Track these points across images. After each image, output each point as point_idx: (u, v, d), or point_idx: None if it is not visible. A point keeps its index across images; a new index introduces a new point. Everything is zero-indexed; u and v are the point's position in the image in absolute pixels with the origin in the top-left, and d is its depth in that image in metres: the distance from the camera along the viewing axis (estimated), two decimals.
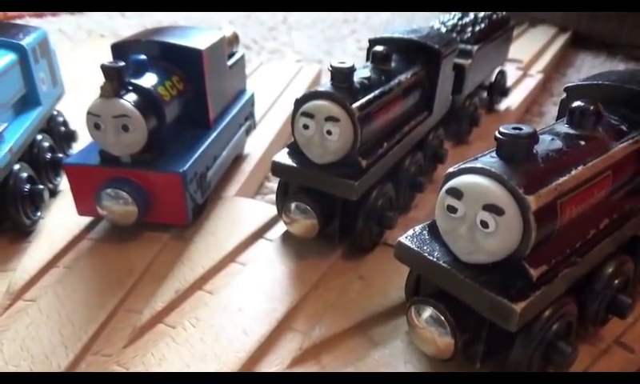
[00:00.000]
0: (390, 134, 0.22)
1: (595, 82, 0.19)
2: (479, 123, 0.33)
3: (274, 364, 0.18)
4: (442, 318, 0.14)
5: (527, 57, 0.52)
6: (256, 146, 0.32)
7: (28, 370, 0.17)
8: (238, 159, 0.30)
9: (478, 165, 0.14)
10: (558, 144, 0.15)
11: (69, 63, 0.41)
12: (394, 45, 0.25)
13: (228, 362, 0.17)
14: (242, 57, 0.30)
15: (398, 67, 0.24)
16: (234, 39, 0.30)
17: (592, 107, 0.16)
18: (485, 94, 0.38)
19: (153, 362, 0.18)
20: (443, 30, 0.32)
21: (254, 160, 0.30)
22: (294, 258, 0.22)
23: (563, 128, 0.16)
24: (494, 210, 0.13)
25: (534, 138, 0.14)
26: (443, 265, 0.15)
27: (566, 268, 0.14)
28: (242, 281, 0.21)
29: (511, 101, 0.41)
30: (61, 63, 0.30)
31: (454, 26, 0.32)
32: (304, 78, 0.45)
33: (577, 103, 0.16)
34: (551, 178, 0.14)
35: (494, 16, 0.35)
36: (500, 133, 0.14)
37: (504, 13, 0.37)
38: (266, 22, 0.75)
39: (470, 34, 0.31)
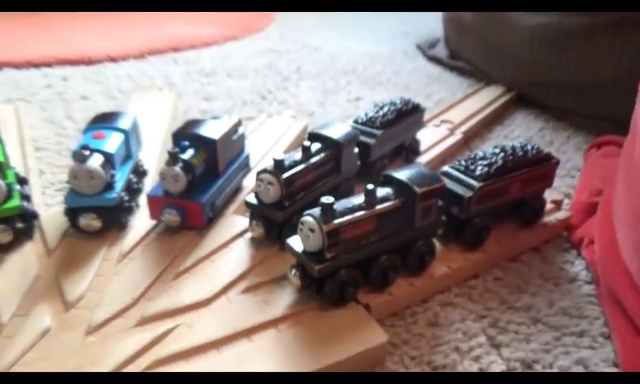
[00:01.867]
0: (307, 188, 0.44)
1: None
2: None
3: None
4: (297, 274, 0.36)
5: (459, 118, 0.72)
6: (250, 182, 0.54)
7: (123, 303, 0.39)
8: (238, 190, 0.52)
9: (314, 210, 0.36)
10: (349, 204, 0.36)
11: (138, 112, 0.64)
12: (319, 137, 0.47)
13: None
14: (243, 134, 0.52)
15: (318, 150, 0.46)
16: (239, 123, 0.52)
17: (371, 189, 0.37)
18: (403, 153, 0.59)
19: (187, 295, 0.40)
20: (364, 119, 0.53)
21: (246, 191, 0.52)
22: (255, 249, 0.44)
23: (359, 198, 0.37)
24: (311, 230, 0.35)
25: (332, 204, 0.35)
26: (300, 253, 0.36)
27: (345, 254, 0.36)
28: (225, 255, 0.43)
29: (426, 157, 0.62)
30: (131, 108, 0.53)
31: (371, 117, 0.53)
32: (292, 133, 0.67)
33: (370, 186, 0.37)
34: (340, 216, 0.35)
35: (403, 107, 0.56)
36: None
37: (413, 104, 0.57)
38: (283, 72, 0.98)
39: (378, 123, 0.53)
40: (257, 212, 0.43)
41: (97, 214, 0.43)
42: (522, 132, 0.73)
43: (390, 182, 0.39)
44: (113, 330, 0.35)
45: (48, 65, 0.96)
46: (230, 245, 0.44)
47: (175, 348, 0.34)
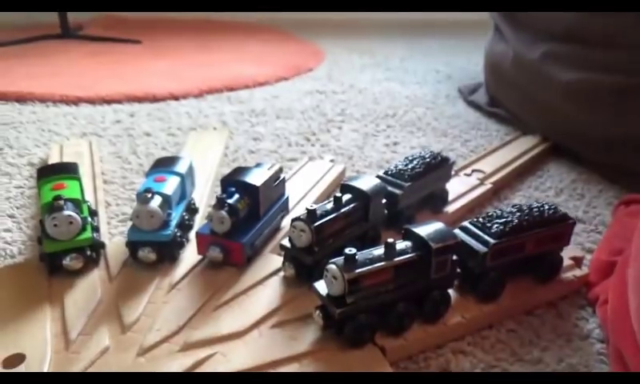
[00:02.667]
0: (336, 234, 0.49)
1: None
2: (413, 221, 0.57)
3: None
4: (320, 314, 0.41)
5: (491, 168, 0.75)
6: (288, 223, 0.59)
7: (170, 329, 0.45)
8: (276, 231, 0.58)
9: (338, 259, 0.40)
10: (369, 254, 0.41)
11: (193, 150, 0.71)
12: (350, 189, 0.52)
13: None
14: (283, 179, 0.58)
15: (348, 201, 0.51)
16: (280, 170, 0.58)
17: (390, 243, 0.41)
18: (431, 203, 0.62)
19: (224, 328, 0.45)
20: (393, 170, 0.58)
21: (284, 231, 0.58)
22: (286, 288, 0.49)
23: (379, 250, 0.42)
24: (334, 277, 0.39)
25: (355, 255, 0.40)
26: (324, 296, 0.41)
27: (364, 300, 0.40)
28: (260, 291, 0.48)
29: (454, 206, 0.65)
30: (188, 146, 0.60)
31: (400, 169, 0.58)
32: (330, 176, 0.72)
33: (390, 240, 0.42)
34: (361, 266, 0.40)
35: (432, 161, 0.60)
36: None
37: (442, 157, 0.61)
38: (327, 114, 1.04)
39: (406, 176, 0.57)
40: (289, 254, 0.48)
41: (153, 248, 0.50)
42: (554, 183, 0.75)
43: (410, 236, 0.44)
44: (160, 353, 0.41)
45: (118, 101, 1.07)
46: (265, 282, 0.50)
47: (211, 372, 0.39)
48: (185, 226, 0.55)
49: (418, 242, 0.43)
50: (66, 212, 0.47)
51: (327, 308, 0.41)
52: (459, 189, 0.68)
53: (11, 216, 0.64)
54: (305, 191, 0.67)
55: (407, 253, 0.42)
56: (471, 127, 0.99)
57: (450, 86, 1.28)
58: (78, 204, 0.49)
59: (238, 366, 0.39)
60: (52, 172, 0.53)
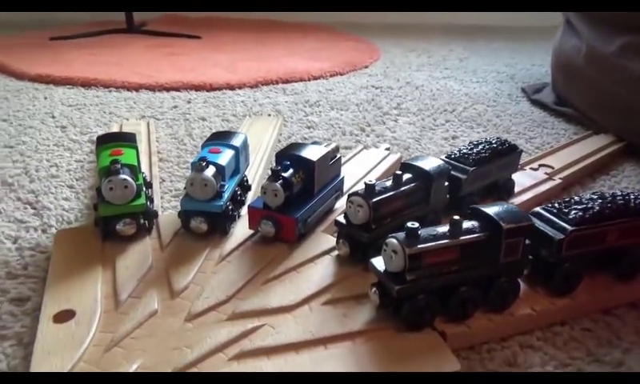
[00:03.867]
0: (394, 214, 0.46)
1: None
2: None
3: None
4: (377, 292, 0.38)
5: (560, 164, 0.70)
6: (341, 205, 0.57)
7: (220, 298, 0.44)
8: (329, 212, 0.56)
9: (399, 233, 0.37)
10: (433, 231, 0.38)
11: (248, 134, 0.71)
12: (411, 168, 0.49)
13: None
14: (339, 158, 0.56)
15: (408, 180, 0.48)
16: (337, 149, 0.56)
17: (456, 220, 0.38)
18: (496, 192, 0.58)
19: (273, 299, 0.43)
20: (457, 155, 0.54)
21: (337, 213, 0.56)
22: (339, 267, 0.46)
23: (444, 228, 0.39)
24: (395, 252, 0.37)
25: (417, 229, 0.37)
26: (382, 273, 0.38)
27: (425, 279, 0.37)
28: (311, 269, 0.46)
29: (520, 199, 0.60)
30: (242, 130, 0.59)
31: (464, 153, 0.54)
32: (386, 164, 0.69)
33: (456, 217, 0.38)
34: (420, 243, 0.37)
35: (499, 147, 0.56)
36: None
37: (509, 144, 0.57)
38: (383, 107, 1.01)
39: (471, 160, 0.53)
40: (344, 232, 0.46)
41: (205, 219, 0.49)
42: (630, 184, 0.69)
43: (477, 215, 0.40)
44: (208, 320, 0.40)
45: (176, 89, 1.08)
46: (317, 260, 0.48)
47: (260, 344, 0.37)
48: (237, 200, 0.54)
49: (487, 221, 0.39)
50: (122, 176, 0.47)
51: (385, 285, 0.38)
52: (525, 181, 0.63)
53: (70, 186, 0.65)
54: (359, 177, 0.65)
55: (475, 232, 0.39)
56: (536, 125, 0.93)
57: (512, 85, 1.23)
58: (134, 170, 0.49)
59: (287, 339, 0.37)
60: (111, 139, 0.53)
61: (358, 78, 1.24)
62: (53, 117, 0.91)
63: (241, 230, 0.52)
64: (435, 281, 0.38)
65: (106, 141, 0.53)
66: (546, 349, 0.39)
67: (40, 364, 0.34)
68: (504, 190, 0.58)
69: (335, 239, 0.48)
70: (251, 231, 0.51)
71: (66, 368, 0.34)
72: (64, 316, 0.39)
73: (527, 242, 0.40)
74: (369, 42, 1.66)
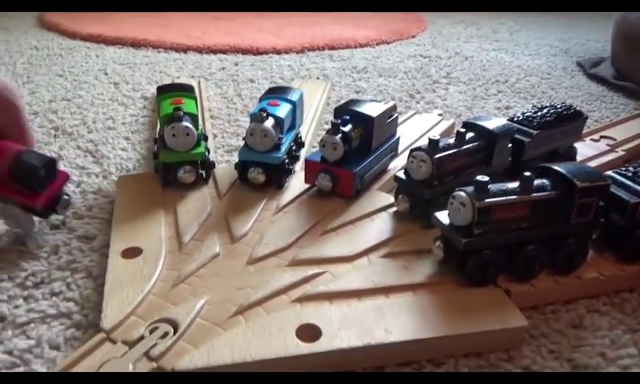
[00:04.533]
0: (456, 172, 0.45)
1: None
2: None
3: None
4: (441, 246, 0.38)
5: (623, 136, 0.67)
6: (394, 166, 0.56)
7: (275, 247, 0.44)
8: (383, 171, 0.55)
9: (468, 188, 0.37)
10: (503, 186, 0.37)
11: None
12: (474, 127, 0.47)
13: None
14: (396, 117, 0.55)
15: (471, 138, 0.46)
16: (394, 108, 0.55)
17: (527, 176, 0.37)
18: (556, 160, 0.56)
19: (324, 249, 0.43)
20: (520, 117, 0.53)
21: (392, 173, 0.55)
22: (397, 223, 0.46)
23: (514, 184, 0.37)
24: (463, 204, 0.36)
25: (487, 183, 0.36)
26: (447, 226, 0.38)
27: (493, 234, 0.36)
28: (369, 223, 0.46)
29: None
30: None
31: (528, 116, 0.53)
32: (439, 129, 0.68)
33: (527, 173, 0.37)
34: (490, 197, 0.36)
35: (564, 112, 0.54)
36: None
37: (575, 110, 0.55)
38: (432, 76, 0.99)
39: (535, 123, 0.51)
40: (405, 188, 0.45)
41: (262, 170, 0.49)
42: None
43: (548, 173, 0.39)
44: (268, 265, 0.40)
45: (223, 52, 1.09)
46: (374, 216, 0.47)
47: (322, 289, 0.37)
48: (292, 155, 0.54)
49: (560, 179, 0.38)
50: (185, 123, 0.48)
51: (450, 239, 0.38)
52: (586, 152, 0.61)
53: (126, 138, 0.66)
54: (413, 140, 0.64)
55: (546, 189, 0.37)
56: (594, 99, 0.89)
57: (566, 59, 1.18)
58: (194, 119, 0.50)
59: (349, 286, 0.37)
60: (171, 89, 0.54)
61: (405, 47, 1.22)
62: (105, 74, 0.92)
63: (296, 183, 0.52)
64: (503, 237, 0.37)
65: (167, 90, 0.53)
66: (613, 314, 0.38)
67: (112, 293, 0.35)
68: (566, 158, 0.56)
69: (393, 196, 0.48)
70: (306, 186, 0.51)
71: (136, 300, 0.35)
72: (132, 253, 0.40)
73: (601, 203, 0.38)
74: (414, 12, 1.62)
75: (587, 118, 0.57)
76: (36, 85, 0.85)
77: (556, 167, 0.38)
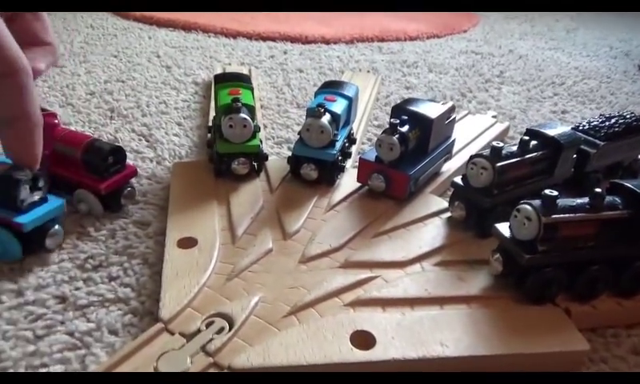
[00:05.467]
0: (517, 181, 0.44)
1: None
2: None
3: None
4: (500, 259, 0.36)
5: None
6: (447, 168, 0.55)
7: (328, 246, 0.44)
8: (436, 174, 0.54)
9: (534, 201, 0.35)
10: (572, 202, 0.35)
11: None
12: (537, 135, 0.46)
13: None
14: (454, 118, 0.54)
15: (535, 147, 0.45)
16: (453, 109, 0.53)
17: (598, 192, 0.35)
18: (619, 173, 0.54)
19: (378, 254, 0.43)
20: (586, 126, 0.50)
21: (445, 176, 0.54)
22: (450, 230, 0.45)
23: (582, 200, 0.36)
24: (528, 219, 0.35)
25: (556, 198, 0.35)
26: (508, 239, 0.37)
27: (557, 252, 0.35)
28: (421, 228, 0.45)
29: None
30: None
31: (594, 125, 0.50)
32: (493, 132, 0.66)
33: (598, 189, 0.36)
34: (557, 213, 0.34)
35: (634, 123, 0.51)
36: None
37: None
38: (485, 74, 0.96)
39: (602, 133, 0.49)
40: (462, 194, 0.44)
41: (316, 166, 0.49)
42: None
43: (618, 190, 0.37)
44: (321, 265, 0.40)
45: (272, 39, 1.09)
46: (426, 221, 0.46)
47: (375, 294, 0.37)
48: (344, 152, 0.54)
49: (632, 198, 0.36)
50: (242, 115, 0.48)
51: (510, 252, 0.36)
52: None
53: (179, 124, 0.67)
54: (465, 143, 0.62)
55: (617, 208, 0.36)
56: None
57: (627, 62, 1.12)
58: (252, 111, 0.50)
59: (402, 294, 0.37)
60: (229, 79, 0.54)
61: (456, 42, 1.19)
62: (158, 56, 0.94)
63: (347, 181, 0.51)
64: (568, 255, 0.35)
65: (225, 80, 0.54)
66: None
67: (170, 283, 0.36)
68: (629, 172, 0.54)
69: (448, 201, 0.46)
70: (357, 184, 0.51)
71: (193, 291, 0.35)
72: (187, 243, 0.41)
73: None
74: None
75: None
76: (92, 65, 0.87)
77: (628, 184, 0.36)
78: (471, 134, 0.64)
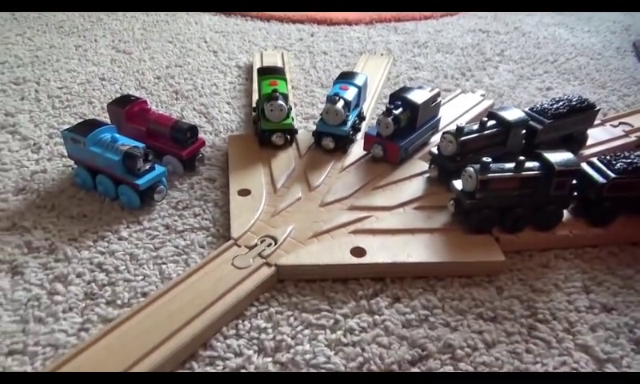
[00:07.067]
0: (476, 151, 0.61)
1: None
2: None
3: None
4: (454, 204, 0.54)
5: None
6: (434, 140, 0.72)
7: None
8: (425, 144, 0.71)
9: (475, 165, 0.53)
10: (502, 166, 0.52)
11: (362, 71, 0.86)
12: (495, 116, 0.62)
13: None
14: (439, 102, 0.70)
15: (491, 125, 0.62)
16: (438, 95, 0.70)
17: (521, 159, 0.52)
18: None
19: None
20: (538, 108, 0.66)
21: (431, 146, 0.71)
22: (428, 185, 0.63)
23: (511, 164, 0.53)
24: (470, 176, 0.52)
25: (489, 163, 0.52)
26: (459, 191, 0.54)
27: (490, 199, 0.52)
28: (407, 184, 0.63)
29: (591, 151, 0.71)
30: (358, 67, 0.75)
31: (545, 107, 0.66)
32: (479, 108, 0.82)
33: (521, 157, 0.52)
34: (492, 173, 0.52)
35: (577, 104, 0.67)
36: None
37: (588, 103, 0.68)
38: (486, 53, 1.10)
39: (549, 114, 0.65)
40: (436, 160, 0.62)
41: (333, 139, 0.67)
42: None
43: (539, 158, 0.54)
44: (334, 208, 0.59)
45: (301, 22, 1.25)
46: (412, 179, 0.64)
47: (369, 226, 0.55)
48: (355, 128, 0.72)
49: (545, 163, 0.53)
50: (279, 101, 0.66)
51: (460, 200, 0.54)
52: (601, 136, 0.73)
53: (228, 103, 0.86)
54: (454, 117, 0.79)
55: (533, 170, 0.53)
56: (634, 83, 0.98)
57: (624, 38, 1.23)
58: (286, 97, 0.68)
59: (387, 226, 0.55)
60: (268, 72, 0.72)
61: (467, 20, 1.32)
62: (205, 42, 1.12)
63: (356, 149, 0.70)
64: (497, 201, 0.53)
65: (265, 73, 0.72)
66: (575, 261, 0.54)
67: (236, 217, 0.56)
68: (576, 143, 0.70)
69: (428, 165, 0.64)
70: (363, 152, 0.69)
71: (250, 222, 0.55)
72: (244, 192, 0.60)
73: (574, 182, 0.53)
74: None
75: (599, 110, 0.69)
76: (153, 51, 1.06)
77: (545, 154, 0.53)
78: (460, 110, 0.81)
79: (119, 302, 0.47)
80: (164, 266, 0.52)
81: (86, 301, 0.48)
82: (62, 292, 0.48)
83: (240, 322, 0.46)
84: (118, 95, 0.85)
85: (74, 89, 0.88)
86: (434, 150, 0.62)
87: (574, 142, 0.70)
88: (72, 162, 0.65)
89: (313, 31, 1.20)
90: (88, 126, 0.60)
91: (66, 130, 0.61)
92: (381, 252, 0.51)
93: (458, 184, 0.55)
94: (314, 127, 0.71)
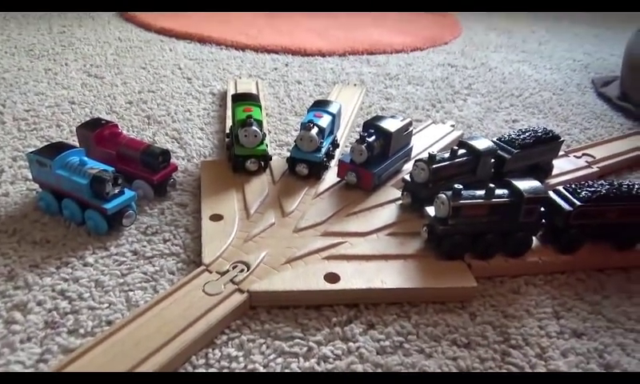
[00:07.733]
0: (447, 178, 0.62)
1: None
2: None
3: None
4: (427, 230, 0.55)
5: (602, 155, 0.81)
6: (406, 168, 0.73)
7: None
8: (398, 172, 0.72)
9: (447, 192, 0.54)
10: (473, 193, 0.53)
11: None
12: (466, 145, 0.64)
13: None
14: (411, 131, 0.72)
15: (462, 154, 0.63)
16: (410, 124, 0.72)
17: (491, 187, 0.53)
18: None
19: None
20: (506, 138, 0.68)
21: (403, 174, 0.72)
22: (401, 212, 0.63)
23: (481, 191, 0.54)
24: (443, 203, 0.53)
25: (461, 190, 0.53)
26: (432, 217, 0.55)
27: (462, 225, 0.53)
28: (380, 211, 0.63)
29: (556, 180, 0.73)
30: (332, 97, 0.76)
31: (512, 138, 0.68)
32: (448, 138, 0.84)
33: (491, 184, 0.54)
34: (464, 199, 0.52)
35: (543, 136, 0.69)
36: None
37: (553, 134, 0.70)
38: (455, 86, 1.14)
39: (516, 144, 0.67)
40: (409, 187, 0.63)
41: (307, 165, 0.67)
42: None
43: (508, 185, 0.55)
44: (308, 234, 0.58)
45: (276, 52, 1.27)
46: (385, 205, 0.65)
47: (342, 252, 0.55)
48: (329, 154, 0.72)
49: (514, 190, 0.54)
50: (254, 128, 0.66)
51: (433, 226, 0.55)
52: (565, 166, 0.76)
53: (201, 129, 0.86)
54: (425, 146, 0.80)
55: (503, 197, 0.54)
56: (595, 117, 1.03)
57: (583, 75, 1.30)
58: (260, 124, 0.68)
59: (361, 252, 0.55)
60: (243, 98, 0.72)
61: (436, 55, 1.36)
62: (179, 68, 1.12)
63: (330, 176, 0.70)
64: (469, 227, 0.54)
65: (240, 99, 0.72)
66: (544, 287, 0.55)
67: (207, 243, 0.54)
68: (542, 172, 0.72)
69: (401, 192, 0.65)
70: (337, 179, 0.69)
71: (222, 248, 0.54)
72: (216, 217, 0.59)
73: (542, 209, 0.54)
74: (452, 17, 1.75)
75: (563, 141, 0.72)
76: (126, 76, 1.05)
77: (514, 181, 0.55)
78: (430, 140, 0.83)
79: (82, 330, 0.45)
80: (131, 293, 0.50)
81: (46, 330, 0.45)
82: (21, 321, 0.46)
83: (210, 350, 0.44)
84: (88, 119, 0.83)
85: (41, 112, 0.86)
86: (407, 178, 0.63)
87: (541, 172, 0.72)
88: (37, 186, 0.63)
89: (287, 61, 1.21)
90: (55, 149, 0.58)
91: (32, 152, 0.59)
92: (355, 278, 0.51)
93: (430, 210, 0.56)
94: (287, 154, 0.71)
